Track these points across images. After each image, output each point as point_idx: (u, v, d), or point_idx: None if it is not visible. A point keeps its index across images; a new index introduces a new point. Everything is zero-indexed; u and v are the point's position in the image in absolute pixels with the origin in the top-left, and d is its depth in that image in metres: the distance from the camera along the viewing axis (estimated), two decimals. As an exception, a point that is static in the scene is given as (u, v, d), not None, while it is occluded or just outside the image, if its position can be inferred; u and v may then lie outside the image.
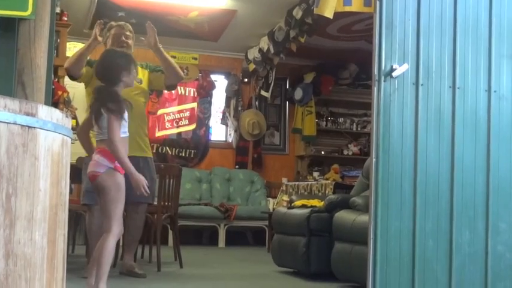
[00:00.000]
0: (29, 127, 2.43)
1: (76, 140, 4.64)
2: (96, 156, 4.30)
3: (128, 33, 5.89)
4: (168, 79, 6.02)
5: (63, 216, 2.74)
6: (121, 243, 6.47)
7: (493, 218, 4.27)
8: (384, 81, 4.12)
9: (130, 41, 5.90)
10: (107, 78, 4.43)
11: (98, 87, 4.48)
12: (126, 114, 4.36)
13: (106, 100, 4.30)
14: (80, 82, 5.96)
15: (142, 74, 5.95)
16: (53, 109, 2.60)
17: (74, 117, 7.90)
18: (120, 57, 4.60)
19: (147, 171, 5.76)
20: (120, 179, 4.30)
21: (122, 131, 4.37)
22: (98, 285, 4.23)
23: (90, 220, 5.62)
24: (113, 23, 5.97)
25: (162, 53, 5.89)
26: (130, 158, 5.57)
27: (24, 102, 2.44)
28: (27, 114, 2.42)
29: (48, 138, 2.53)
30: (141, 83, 5.88)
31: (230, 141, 11.37)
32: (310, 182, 9.51)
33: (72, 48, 9.55)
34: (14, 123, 2.37)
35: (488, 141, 4.30)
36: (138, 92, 5.83)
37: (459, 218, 4.20)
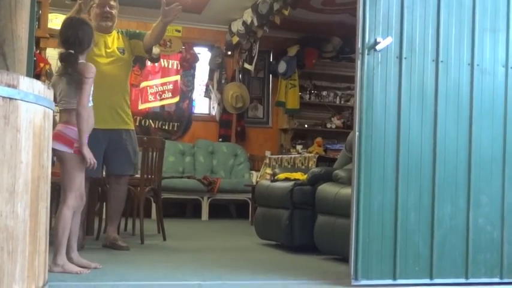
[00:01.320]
0: (10, 99, 2.41)
1: (58, 112, 4.63)
2: (59, 131, 4.32)
3: (112, 2, 5.82)
4: (148, 41, 5.93)
5: (46, 188, 2.73)
6: (104, 216, 6.48)
7: (474, 192, 4.30)
8: (368, 54, 4.12)
9: (114, 11, 5.84)
10: (77, 45, 4.46)
11: (65, 53, 4.47)
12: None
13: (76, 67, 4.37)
14: None
15: (124, 43, 5.88)
16: (35, 81, 2.58)
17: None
18: (89, 26, 4.66)
19: (129, 143, 5.74)
20: (80, 158, 4.31)
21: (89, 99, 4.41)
22: (56, 257, 4.24)
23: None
24: None
25: (166, 28, 5.87)
26: (113, 130, 5.58)
27: (5, 74, 2.42)
28: (9, 85, 2.41)
29: (30, 110, 2.51)
30: (123, 53, 5.82)
31: (213, 114, 11.34)
32: (293, 155, 9.52)
33: (54, 19, 9.46)
34: (-5, 95, 2.36)
35: (470, 115, 4.32)
36: (120, 64, 5.78)
37: (441, 192, 4.22)
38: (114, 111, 5.67)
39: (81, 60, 4.48)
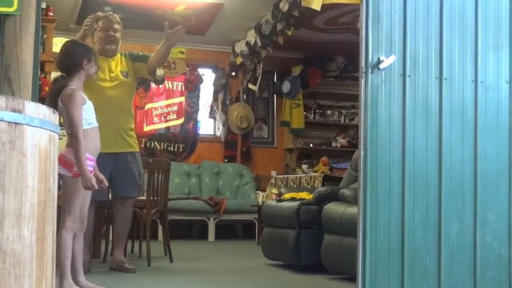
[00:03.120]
0: (16, 124, 2.42)
1: (64, 135, 4.64)
2: (61, 154, 4.30)
3: (116, 26, 5.84)
4: (151, 64, 5.95)
5: (52, 212, 2.73)
6: (110, 239, 6.48)
7: (481, 208, 4.28)
8: (371, 73, 4.12)
9: (118, 34, 5.86)
10: (66, 66, 4.43)
11: (55, 78, 4.46)
12: (88, 105, 4.38)
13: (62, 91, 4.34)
14: None
15: (127, 65, 5.90)
16: (40, 105, 2.59)
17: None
18: (80, 46, 4.62)
19: (134, 165, 5.76)
20: (80, 182, 4.31)
21: (88, 122, 4.38)
22: (62, 282, 4.23)
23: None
24: (100, 14, 5.87)
25: (169, 50, 5.90)
26: (118, 154, 5.59)
27: (11, 99, 2.43)
28: (14, 110, 2.41)
29: (36, 134, 2.52)
30: (127, 77, 5.83)
31: (218, 134, 11.36)
32: (299, 175, 9.52)
33: (59, 43, 9.50)
34: (1, 120, 2.37)
35: (475, 131, 4.31)
36: (124, 88, 5.79)
37: (447, 209, 4.21)
38: (119, 135, 5.68)
39: (73, 86, 4.39)
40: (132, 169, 5.73)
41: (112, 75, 5.76)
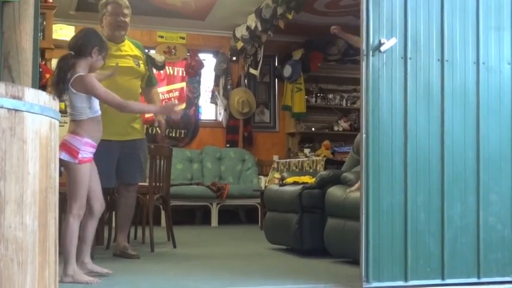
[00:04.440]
0: (16, 110, 2.41)
1: (65, 122, 4.65)
2: (65, 140, 4.34)
3: (125, 10, 5.80)
4: (143, 91, 6.09)
5: (54, 199, 2.72)
6: (113, 225, 6.48)
7: (483, 190, 4.28)
8: (372, 55, 4.11)
9: (127, 19, 5.82)
10: (77, 48, 4.45)
11: (64, 55, 4.46)
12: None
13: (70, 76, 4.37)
14: None
15: (141, 57, 5.88)
16: (40, 92, 2.58)
17: (62, 100, 7.85)
18: (99, 37, 4.64)
19: (141, 151, 5.76)
20: (85, 168, 4.31)
21: (94, 110, 4.39)
22: (66, 268, 4.24)
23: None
24: None
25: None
26: (126, 141, 5.60)
27: (11, 85, 2.42)
28: (14, 97, 2.40)
29: (36, 121, 2.51)
30: (138, 66, 5.80)
31: (220, 120, 11.35)
32: (301, 159, 9.51)
33: (59, 30, 9.48)
34: (1, 107, 2.36)
35: (477, 113, 4.30)
36: (133, 76, 5.77)
37: (450, 191, 4.20)
38: (127, 123, 5.67)
39: (81, 72, 4.41)
40: (139, 156, 5.73)
41: (119, 59, 5.71)
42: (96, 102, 4.46)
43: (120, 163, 5.63)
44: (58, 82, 4.36)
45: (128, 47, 5.83)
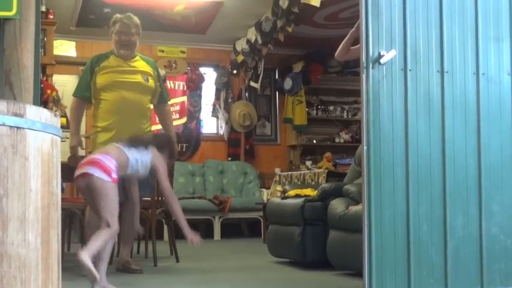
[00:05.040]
0: (18, 128, 2.42)
1: (67, 138, 4.68)
2: (96, 158, 4.44)
3: (132, 30, 5.86)
4: (155, 107, 6.17)
5: (56, 215, 2.73)
6: (116, 240, 6.48)
7: (486, 201, 4.28)
8: (372, 68, 4.11)
9: (134, 38, 5.87)
10: (159, 145, 4.93)
11: (160, 135, 5.00)
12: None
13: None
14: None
15: (152, 73, 5.92)
16: (41, 109, 2.59)
17: (64, 116, 7.87)
18: (173, 147, 5.23)
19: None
20: (116, 188, 4.48)
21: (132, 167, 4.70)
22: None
23: (90, 214, 5.61)
24: (118, 16, 5.94)
25: None
26: None
27: (12, 103, 2.43)
28: (16, 115, 2.41)
29: (38, 138, 2.52)
30: (147, 81, 5.84)
31: (221, 133, 11.36)
32: (303, 171, 9.51)
33: (59, 46, 9.53)
34: (3, 125, 2.36)
35: (478, 124, 4.30)
36: (142, 91, 5.81)
37: (452, 202, 4.20)
38: None
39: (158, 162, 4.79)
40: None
41: (128, 74, 5.76)
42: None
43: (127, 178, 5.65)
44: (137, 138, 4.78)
45: (139, 64, 5.89)
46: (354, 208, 5.26)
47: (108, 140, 5.60)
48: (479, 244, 4.24)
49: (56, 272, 2.73)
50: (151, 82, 5.86)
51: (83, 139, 6.18)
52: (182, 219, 4.72)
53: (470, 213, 4.24)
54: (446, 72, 4.26)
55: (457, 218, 4.21)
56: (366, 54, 4.10)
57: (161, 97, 6.08)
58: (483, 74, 4.33)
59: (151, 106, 6.07)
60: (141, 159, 4.68)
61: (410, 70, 4.18)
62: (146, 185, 5.80)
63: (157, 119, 6.42)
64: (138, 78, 5.79)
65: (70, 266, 5.61)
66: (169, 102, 6.48)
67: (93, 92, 5.77)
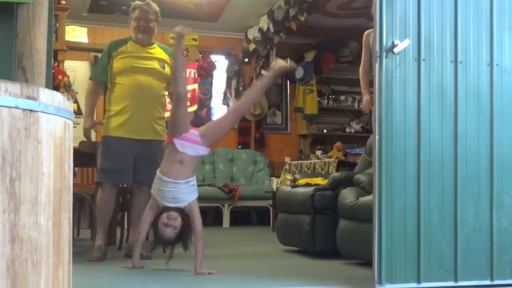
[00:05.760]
0: (31, 111, 2.41)
1: (78, 123, 4.70)
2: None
3: (151, 16, 5.92)
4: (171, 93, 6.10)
5: (68, 199, 2.73)
6: (125, 226, 6.50)
7: (497, 192, 4.26)
8: (386, 57, 4.09)
9: (152, 24, 5.91)
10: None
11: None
12: None
13: None
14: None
15: (167, 62, 5.93)
16: (55, 92, 2.59)
17: (75, 101, 7.89)
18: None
19: (159, 153, 5.77)
20: None
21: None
22: None
23: (101, 196, 5.67)
24: (138, 2, 6.02)
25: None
26: (145, 141, 5.67)
27: (26, 86, 2.42)
28: (29, 97, 2.41)
29: (51, 121, 2.52)
30: (163, 68, 5.86)
31: (232, 121, 11.34)
32: (313, 161, 9.51)
33: (71, 32, 9.52)
34: (16, 108, 2.36)
35: (491, 115, 4.28)
36: (157, 77, 5.83)
37: (463, 193, 4.19)
38: (148, 123, 5.74)
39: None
40: (156, 157, 5.74)
41: (145, 60, 5.79)
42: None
43: (136, 162, 5.69)
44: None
45: (156, 51, 5.94)
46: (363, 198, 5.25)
47: (121, 124, 5.63)
48: (490, 236, 4.23)
49: (67, 255, 2.73)
50: (167, 70, 5.88)
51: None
52: (199, 257, 4.85)
53: (481, 205, 4.23)
54: (460, 62, 4.24)
55: (468, 210, 4.19)
56: (380, 43, 4.09)
57: None
58: (497, 64, 4.31)
59: (166, 93, 6.07)
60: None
61: (423, 60, 4.16)
62: (154, 171, 5.81)
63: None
64: (155, 64, 5.82)
65: (80, 250, 5.64)
66: None
67: (109, 77, 5.80)
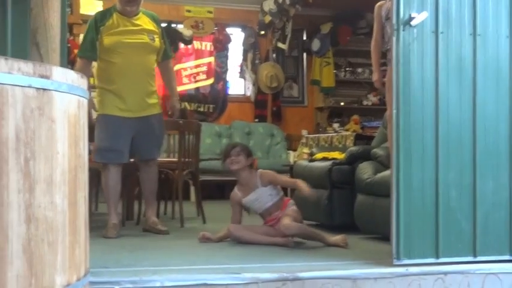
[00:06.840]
0: (44, 90, 2.40)
1: (94, 98, 4.67)
2: None
3: None
4: (159, 65, 6.04)
5: (83, 178, 2.72)
6: (142, 200, 6.51)
7: (516, 166, 4.22)
8: (403, 30, 4.04)
9: None
10: (247, 151, 5.90)
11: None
12: None
13: None
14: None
15: (157, 31, 5.82)
16: (68, 70, 2.57)
17: (92, 75, 7.87)
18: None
19: (157, 127, 5.73)
20: None
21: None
22: None
23: (107, 176, 5.60)
24: None
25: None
26: (143, 117, 5.60)
27: (38, 65, 2.41)
28: (42, 76, 2.39)
29: (64, 100, 2.50)
30: (153, 41, 5.74)
31: (248, 94, 11.32)
32: (330, 134, 9.47)
33: (86, 5, 9.48)
34: (29, 87, 2.35)
35: (510, 88, 4.22)
36: (147, 51, 5.70)
37: (482, 168, 4.14)
38: (142, 99, 5.63)
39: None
40: (155, 131, 5.71)
41: (134, 35, 5.67)
42: None
43: (136, 140, 5.62)
44: None
45: (143, 21, 5.74)
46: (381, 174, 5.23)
47: (116, 104, 5.52)
48: (509, 210, 4.19)
49: (83, 234, 2.73)
50: (157, 41, 5.75)
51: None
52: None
53: (500, 179, 4.18)
54: (479, 35, 4.17)
55: (486, 184, 4.15)
56: (397, 16, 4.03)
57: (165, 54, 5.96)
58: (516, 37, 4.24)
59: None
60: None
61: (441, 33, 4.10)
62: (155, 145, 5.80)
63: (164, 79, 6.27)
64: (145, 38, 5.67)
65: (99, 225, 5.65)
66: (171, 58, 6.33)
67: (99, 52, 5.66)
